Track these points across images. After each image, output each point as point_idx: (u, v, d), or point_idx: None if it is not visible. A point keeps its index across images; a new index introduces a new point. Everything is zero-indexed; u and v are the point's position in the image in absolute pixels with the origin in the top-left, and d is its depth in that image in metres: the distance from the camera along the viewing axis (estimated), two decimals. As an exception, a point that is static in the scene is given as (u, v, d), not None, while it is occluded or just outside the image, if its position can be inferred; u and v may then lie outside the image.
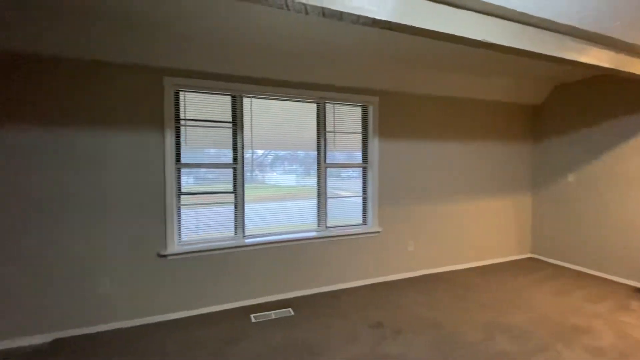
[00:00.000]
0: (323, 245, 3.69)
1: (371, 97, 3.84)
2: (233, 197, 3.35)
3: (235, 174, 3.35)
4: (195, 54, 2.95)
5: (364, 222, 4.00)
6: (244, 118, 3.33)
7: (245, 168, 3.38)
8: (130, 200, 2.91)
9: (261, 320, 3.02)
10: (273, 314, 3.12)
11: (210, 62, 3.04)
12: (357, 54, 3.25)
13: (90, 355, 2.48)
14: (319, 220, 3.76)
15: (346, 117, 3.84)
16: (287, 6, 1.65)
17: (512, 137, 4.73)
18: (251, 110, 3.36)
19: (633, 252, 3.80)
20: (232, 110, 3.31)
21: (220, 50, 2.96)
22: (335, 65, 3.44)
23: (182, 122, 3.11)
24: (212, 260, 3.21)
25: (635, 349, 2.54)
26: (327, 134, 3.73)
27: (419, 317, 3.04)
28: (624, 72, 2.72)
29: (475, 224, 4.54)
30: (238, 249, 3.30)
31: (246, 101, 3.34)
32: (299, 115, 3.61)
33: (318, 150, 3.71)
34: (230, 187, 3.34)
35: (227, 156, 3.33)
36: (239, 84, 3.23)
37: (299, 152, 3.72)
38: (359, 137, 3.93)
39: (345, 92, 3.71)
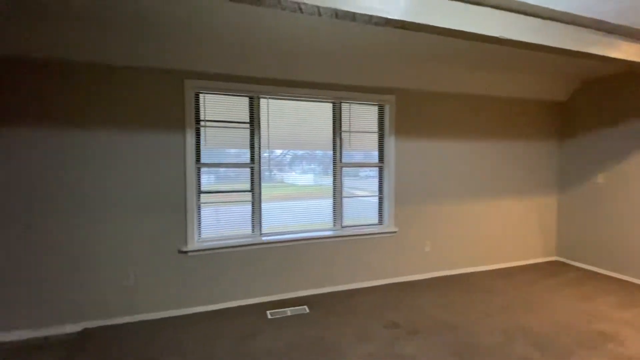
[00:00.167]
0: (339, 244, 3.71)
1: (387, 95, 3.82)
2: (250, 195, 3.43)
3: (252, 173, 3.43)
4: (214, 57, 3.04)
5: (380, 221, 3.99)
6: (261, 118, 3.40)
7: (262, 167, 3.44)
8: (153, 199, 3.04)
9: (277, 316, 3.07)
10: (289, 311, 3.17)
11: (228, 64, 3.13)
12: (373, 53, 3.24)
13: (116, 345, 2.61)
14: (334, 219, 3.78)
15: (362, 116, 3.83)
16: (300, 9, 1.68)
17: (535, 135, 4.57)
18: (268, 111, 3.43)
19: (667, 257, 3.59)
20: (250, 111, 3.38)
21: (238, 52, 3.04)
22: (351, 65, 3.45)
23: (202, 123, 3.22)
24: (230, 257, 3.30)
25: (667, 358, 2.41)
26: (343, 134, 3.74)
27: (435, 319, 3.00)
28: (656, 66, 2.58)
29: (496, 225, 4.42)
30: (255, 247, 3.38)
31: (263, 102, 3.40)
32: (314, 115, 3.65)
33: (334, 149, 3.73)
34: (248, 186, 3.42)
35: (245, 156, 3.41)
36: (256, 85, 3.30)
37: (317, 152, 3.76)
38: (375, 136, 3.91)
39: (361, 92, 3.71)
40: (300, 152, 3.79)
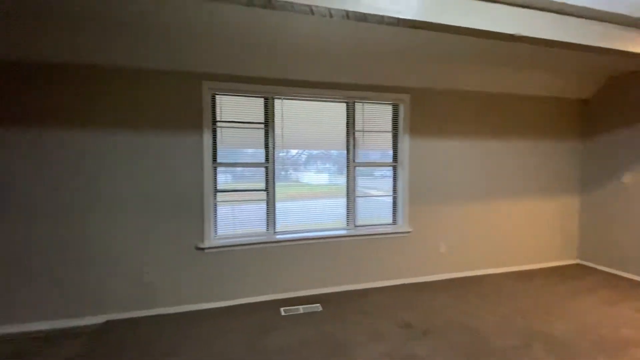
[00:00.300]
0: (352, 244, 3.72)
1: (402, 94, 3.80)
2: (265, 194, 3.49)
3: (267, 173, 3.49)
4: (230, 59, 3.11)
5: (394, 221, 3.97)
6: (275, 119, 3.45)
7: (276, 167, 3.50)
8: (171, 197, 3.15)
9: (290, 314, 3.12)
10: (302, 309, 3.21)
11: (244, 66, 3.20)
12: (387, 52, 3.24)
13: (135, 337, 2.73)
14: (347, 218, 3.80)
15: (376, 116, 3.83)
16: (311, 12, 1.71)
17: (556, 134, 4.43)
18: (282, 111, 3.48)
19: (699, 262, 3.41)
20: (265, 112, 3.44)
21: (253, 54, 3.10)
22: (365, 64, 3.45)
23: (219, 124, 3.30)
24: (245, 255, 3.37)
25: (696, 367, 2.30)
26: (356, 133, 3.75)
27: (449, 320, 2.97)
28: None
29: (515, 226, 4.31)
30: (269, 245, 3.44)
31: (277, 102, 3.46)
32: (328, 115, 3.67)
33: (347, 149, 3.75)
34: (262, 186, 3.48)
35: (261, 156, 3.47)
36: (271, 86, 3.36)
37: (332, 152, 3.79)
38: (389, 135, 3.90)
39: (375, 91, 3.70)
40: (315, 152, 3.83)
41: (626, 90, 4.02)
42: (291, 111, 3.52)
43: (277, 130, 3.47)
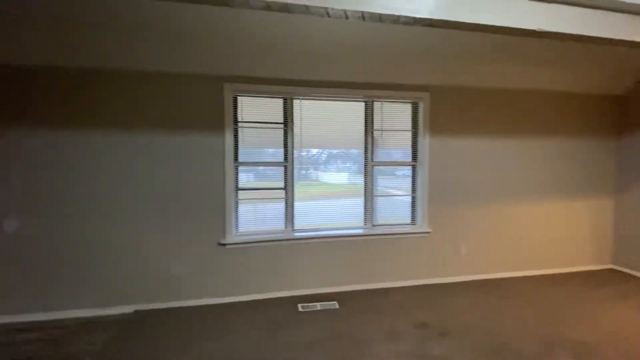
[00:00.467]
0: (369, 243, 3.72)
1: (422, 93, 3.75)
2: (284, 193, 3.57)
3: (285, 172, 3.56)
4: (251, 61, 3.20)
5: (413, 221, 3.93)
6: (294, 119, 3.52)
7: (295, 166, 3.57)
8: (196, 195, 3.29)
9: (308, 310, 3.18)
10: (319, 305, 3.26)
11: (264, 67, 3.28)
12: (405, 51, 3.22)
13: (162, 326, 2.88)
14: (365, 217, 3.80)
15: (395, 115, 3.81)
16: (327, 14, 1.75)
17: (589, 132, 4.21)
18: (301, 111, 3.54)
19: None
20: (284, 112, 3.52)
21: (273, 56, 3.18)
22: (383, 63, 3.44)
23: (239, 124, 3.41)
24: (264, 251, 3.46)
25: None
26: (375, 132, 3.75)
27: (468, 323, 2.92)
28: None
29: (542, 227, 4.15)
30: (287, 242, 3.51)
31: (296, 103, 3.52)
32: (346, 114, 3.70)
33: (365, 148, 3.75)
34: (282, 184, 3.56)
35: (281, 155, 3.55)
36: (290, 86, 3.43)
37: (352, 151, 3.81)
38: (409, 134, 3.87)
39: (394, 90, 3.68)
40: (335, 151, 3.86)
41: (667, 85, 3.77)
42: (310, 111, 3.57)
43: (296, 130, 3.53)
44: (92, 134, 3.07)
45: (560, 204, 4.20)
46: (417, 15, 1.80)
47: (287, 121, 3.52)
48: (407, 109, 3.85)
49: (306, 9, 1.71)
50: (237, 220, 3.46)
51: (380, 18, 1.81)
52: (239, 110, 3.41)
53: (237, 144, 3.42)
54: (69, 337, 2.73)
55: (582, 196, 4.25)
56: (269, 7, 1.69)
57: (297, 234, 3.56)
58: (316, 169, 3.84)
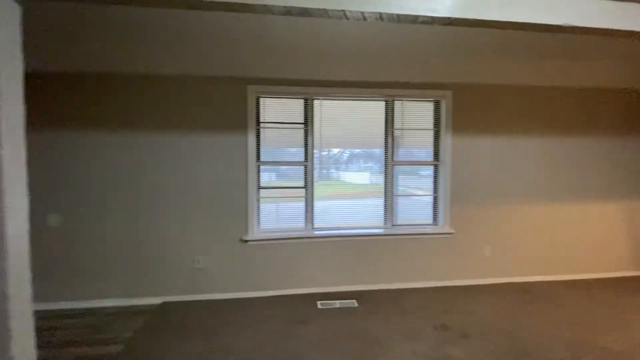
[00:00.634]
0: (390, 243, 3.72)
1: (444, 91, 3.70)
2: (304, 192, 3.63)
3: (305, 171, 3.63)
4: (273, 63, 3.29)
5: (435, 222, 3.88)
6: (314, 119, 3.57)
7: (315, 165, 3.62)
8: (220, 193, 3.42)
9: (326, 307, 3.22)
10: (338, 303, 3.30)
11: (286, 69, 3.36)
12: (426, 49, 3.19)
13: (187, 317, 3.03)
14: (385, 217, 3.80)
15: (416, 114, 3.78)
16: (345, 16, 1.78)
17: (623, 129, 3.98)
18: (321, 111, 3.59)
19: None
20: (304, 112, 3.58)
21: (294, 57, 3.25)
22: (404, 62, 3.43)
23: (261, 125, 3.51)
24: (285, 248, 3.54)
25: None
26: (396, 132, 3.73)
27: (490, 326, 2.86)
28: None
29: (572, 230, 3.97)
30: (307, 240, 3.58)
31: (316, 103, 3.57)
32: (366, 113, 3.71)
33: (385, 147, 3.75)
34: (302, 183, 3.63)
35: (301, 155, 3.62)
36: (311, 87, 3.49)
37: (374, 150, 3.81)
38: (430, 133, 3.82)
39: (415, 88, 3.65)
40: (357, 151, 3.89)
41: None
42: (330, 111, 3.61)
43: (316, 130, 3.59)
44: (122, 135, 3.27)
45: (592, 206, 3.99)
46: (436, 15, 1.80)
47: (308, 121, 3.58)
48: (428, 107, 3.80)
49: (325, 12, 1.75)
50: (259, 218, 3.56)
51: (398, 18, 1.82)
52: (261, 111, 3.51)
53: (259, 144, 3.52)
54: (102, 324, 2.93)
55: (616, 198, 4.02)
56: (289, 12, 1.75)
57: (317, 232, 3.62)
58: (337, 168, 3.89)
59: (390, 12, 1.76)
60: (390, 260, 3.72)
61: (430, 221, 3.90)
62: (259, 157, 3.52)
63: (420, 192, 3.95)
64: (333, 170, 3.82)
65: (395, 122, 3.72)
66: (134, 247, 3.33)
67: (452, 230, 3.77)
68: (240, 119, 3.42)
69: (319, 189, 3.66)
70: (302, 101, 3.57)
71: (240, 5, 1.64)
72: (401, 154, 3.80)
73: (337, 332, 2.77)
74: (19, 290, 1.39)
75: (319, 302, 3.32)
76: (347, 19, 1.82)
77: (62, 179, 3.20)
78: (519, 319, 2.97)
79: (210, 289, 3.45)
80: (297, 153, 3.63)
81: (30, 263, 1.50)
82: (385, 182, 3.77)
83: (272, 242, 3.52)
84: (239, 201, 3.46)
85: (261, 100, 3.50)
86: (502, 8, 1.80)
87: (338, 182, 3.87)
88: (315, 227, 3.67)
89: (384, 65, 3.44)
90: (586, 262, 4.02)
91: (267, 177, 3.63)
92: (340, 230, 3.69)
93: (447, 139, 3.74)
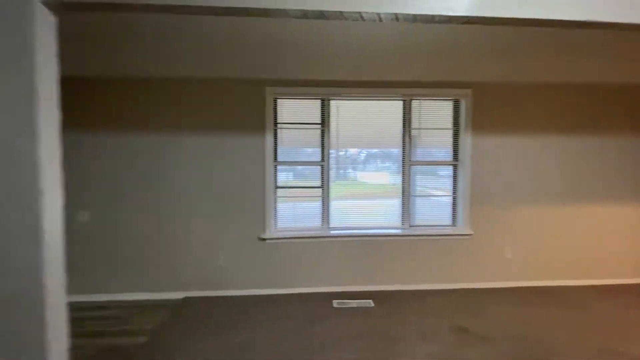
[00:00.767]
0: (407, 244, 3.69)
1: (463, 90, 3.63)
2: (320, 192, 3.66)
3: (322, 171, 3.65)
4: (290, 65, 3.34)
5: (453, 223, 3.82)
6: (331, 119, 3.59)
7: (331, 165, 3.64)
8: (238, 192, 3.51)
9: (342, 306, 3.24)
10: (354, 303, 3.31)
11: (302, 70, 3.40)
12: (445, 48, 3.14)
13: (208, 312, 3.13)
14: (402, 218, 3.77)
15: (435, 113, 3.73)
16: (361, 17, 1.80)
17: (658, 128, 3.78)
18: (337, 112, 3.61)
19: None
20: (321, 113, 3.61)
21: (311, 59, 3.28)
22: (422, 61, 3.38)
23: (279, 125, 3.57)
24: (301, 247, 3.59)
25: None
26: (413, 131, 3.70)
27: (511, 330, 2.79)
28: None
29: (598, 233, 3.80)
30: (323, 239, 3.61)
31: (333, 103, 3.59)
32: (383, 113, 3.70)
33: (403, 147, 3.72)
34: (318, 183, 3.66)
35: (318, 155, 3.65)
36: (327, 87, 3.51)
37: (391, 150, 3.80)
38: (449, 133, 3.76)
39: (434, 87, 3.61)
40: (373, 151, 3.88)
41: None
42: (346, 111, 3.63)
43: (333, 130, 3.61)
44: (146, 136, 3.41)
45: (621, 208, 3.80)
46: (453, 14, 1.78)
47: (324, 121, 3.61)
48: (447, 106, 3.74)
49: (341, 15, 1.77)
50: (276, 217, 3.62)
51: (414, 18, 1.81)
52: (278, 112, 3.57)
53: (277, 144, 3.58)
54: (128, 316, 3.07)
55: (649, 200, 3.82)
56: (305, 15, 1.78)
57: (333, 232, 3.64)
58: (354, 168, 3.89)
59: (407, 12, 1.76)
60: (408, 261, 3.69)
61: (449, 222, 3.84)
62: (276, 157, 3.58)
63: (438, 193, 3.90)
64: (350, 170, 3.84)
65: (412, 122, 3.69)
66: (157, 244, 3.47)
67: (472, 232, 3.70)
68: (259, 120, 3.49)
69: (335, 188, 3.69)
70: (318, 102, 3.60)
71: (261, 10, 1.69)
72: (419, 153, 3.76)
73: (353, 331, 2.78)
74: (53, 282, 1.50)
75: (334, 301, 3.34)
76: (363, 20, 1.83)
77: (91, 178, 3.38)
78: (541, 324, 2.89)
79: (229, 285, 3.54)
80: (314, 153, 3.67)
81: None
82: (403, 182, 3.75)
83: (289, 240, 3.57)
84: (256, 200, 3.53)
85: (278, 101, 3.56)
86: (519, 4, 1.76)
87: (355, 182, 3.87)
88: (331, 226, 3.69)
89: (402, 65, 3.41)
90: (614, 266, 3.84)
91: (284, 177, 3.69)
92: (357, 230, 3.70)
93: (466, 138, 3.68)
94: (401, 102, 3.69)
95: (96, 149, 3.37)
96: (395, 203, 3.78)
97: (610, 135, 3.76)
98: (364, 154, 3.96)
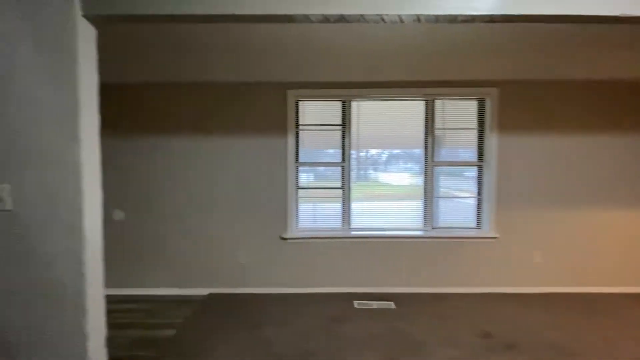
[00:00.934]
0: (429, 246, 3.64)
1: (489, 88, 3.54)
2: (341, 192, 3.68)
3: (343, 172, 3.68)
4: (312, 67, 3.38)
5: (478, 225, 3.73)
6: (352, 120, 3.61)
7: (352, 166, 3.66)
8: (261, 192, 3.60)
9: (363, 307, 3.24)
10: (375, 304, 3.30)
11: (324, 73, 3.43)
12: (469, 46, 3.07)
13: (232, 308, 3.22)
14: (425, 219, 3.72)
15: (458, 113, 3.66)
16: (382, 20, 1.81)
17: None
18: (358, 113, 3.62)
19: None
20: (342, 114, 3.63)
21: (332, 61, 3.30)
22: (445, 60, 3.32)
23: (300, 127, 3.62)
24: (322, 247, 3.62)
25: None
26: (436, 131, 3.65)
27: (540, 338, 2.69)
28: None
29: (633, 239, 3.58)
30: (344, 240, 3.62)
31: (354, 104, 3.61)
32: (405, 114, 3.67)
33: (425, 148, 3.67)
34: (339, 184, 3.68)
35: (339, 156, 3.68)
36: (348, 89, 3.53)
37: (414, 151, 3.76)
38: (473, 133, 3.67)
39: (458, 87, 3.54)
40: (395, 151, 3.86)
41: None
42: (368, 112, 3.63)
43: (353, 131, 3.62)
44: (175, 141, 3.57)
45: (665, 212, 3.57)
46: (476, 13, 1.75)
47: (345, 122, 3.63)
48: (472, 106, 3.66)
49: (362, 18, 1.79)
50: (298, 217, 3.68)
51: (436, 19, 1.80)
52: (300, 114, 3.62)
53: (298, 146, 3.64)
54: (156, 310, 3.22)
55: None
56: (327, 20, 1.81)
57: (354, 233, 3.65)
58: (375, 169, 3.88)
59: (428, 13, 1.75)
60: (430, 263, 3.64)
61: (474, 224, 3.75)
62: (297, 158, 3.64)
63: (462, 194, 3.82)
64: (371, 171, 3.83)
65: (436, 122, 3.63)
66: (185, 242, 3.62)
67: (497, 235, 3.60)
68: (281, 122, 3.56)
69: (356, 189, 3.69)
70: (339, 103, 3.63)
71: (283, 16, 1.75)
72: (443, 154, 3.70)
73: (374, 332, 2.78)
74: (93, 274, 1.61)
75: (355, 302, 3.35)
76: (385, 22, 1.84)
77: (127, 179, 3.58)
78: (572, 332, 2.76)
79: (252, 283, 3.64)
80: (335, 154, 3.70)
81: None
82: (425, 183, 3.70)
83: (310, 240, 3.62)
84: (278, 200, 3.60)
85: (300, 103, 3.62)
86: (548, 1, 1.71)
87: (376, 184, 3.86)
88: (352, 227, 3.70)
89: (424, 64, 3.36)
90: (656, 274, 3.60)
91: (306, 177, 3.74)
92: (378, 231, 3.69)
93: (492, 139, 3.58)
94: (423, 102, 3.64)
95: (131, 151, 3.57)
96: (418, 204, 3.74)
97: (650, 134, 3.54)
98: (386, 155, 3.94)
